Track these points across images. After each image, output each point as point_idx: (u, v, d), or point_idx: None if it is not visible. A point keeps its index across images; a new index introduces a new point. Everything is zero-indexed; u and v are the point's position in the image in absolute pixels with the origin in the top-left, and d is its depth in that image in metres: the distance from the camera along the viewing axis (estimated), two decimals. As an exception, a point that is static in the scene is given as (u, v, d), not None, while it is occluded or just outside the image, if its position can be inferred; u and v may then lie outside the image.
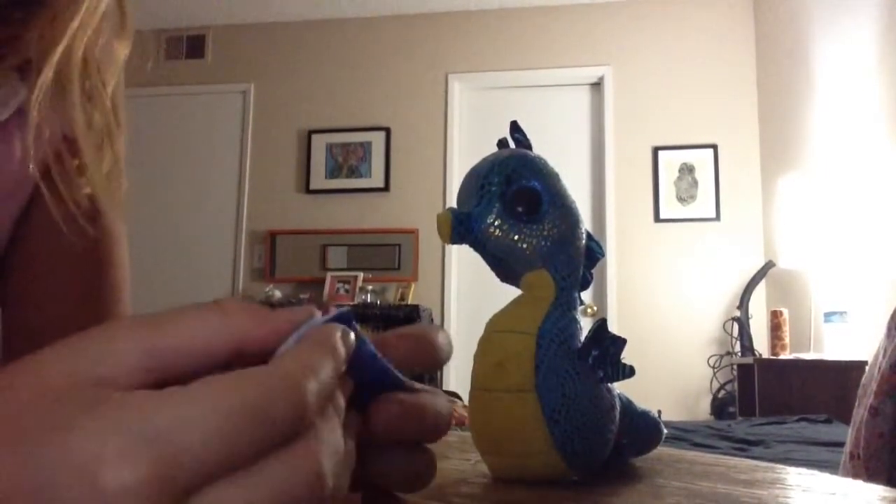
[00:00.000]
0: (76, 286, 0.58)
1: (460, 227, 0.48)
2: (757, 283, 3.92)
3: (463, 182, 0.50)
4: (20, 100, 0.50)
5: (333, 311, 0.25)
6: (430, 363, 0.29)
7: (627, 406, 0.52)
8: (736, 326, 3.89)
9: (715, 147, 4.26)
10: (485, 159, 0.50)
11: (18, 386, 0.20)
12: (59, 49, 0.47)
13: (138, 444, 0.18)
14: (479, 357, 0.48)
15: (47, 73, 0.47)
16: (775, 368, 3.06)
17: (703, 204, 4.24)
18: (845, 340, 2.96)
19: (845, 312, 3.00)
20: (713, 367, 3.96)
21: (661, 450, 0.57)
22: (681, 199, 4.26)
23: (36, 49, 0.47)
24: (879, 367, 0.92)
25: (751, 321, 3.86)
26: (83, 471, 0.18)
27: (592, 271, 0.52)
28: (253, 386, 0.20)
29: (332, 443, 0.21)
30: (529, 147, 0.53)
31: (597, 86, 4.49)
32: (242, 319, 0.22)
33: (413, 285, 4.37)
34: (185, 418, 0.19)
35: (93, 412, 0.19)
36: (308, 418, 0.20)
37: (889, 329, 0.94)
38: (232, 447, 0.19)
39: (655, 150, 4.32)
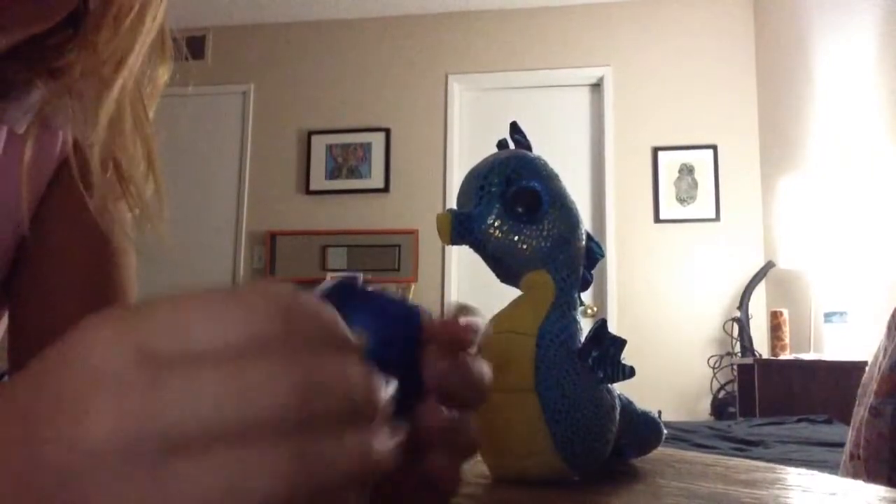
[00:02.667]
0: (85, 290, 0.59)
1: (460, 227, 0.48)
2: (757, 283, 3.92)
3: (463, 183, 0.50)
4: (36, 106, 0.51)
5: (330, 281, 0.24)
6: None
7: (627, 406, 0.52)
8: (736, 327, 3.89)
9: (715, 147, 4.26)
10: (485, 160, 0.50)
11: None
12: (118, 85, 0.49)
13: (129, 405, 0.19)
14: (479, 358, 0.48)
15: (107, 112, 0.49)
16: (775, 369, 3.05)
17: (702, 204, 4.24)
18: (845, 341, 2.96)
19: (845, 313, 3.00)
20: (713, 368, 3.96)
21: (662, 450, 0.57)
22: (680, 200, 4.26)
23: (85, 83, 0.48)
24: (880, 368, 0.92)
25: (751, 321, 3.86)
26: (73, 395, 0.19)
27: (592, 272, 0.53)
28: (259, 364, 0.20)
29: (328, 456, 0.20)
30: (529, 148, 0.53)
31: (596, 86, 4.49)
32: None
33: (413, 286, 4.37)
34: (182, 386, 0.19)
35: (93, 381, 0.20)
36: (298, 418, 0.19)
37: (889, 329, 0.94)
38: (215, 416, 0.19)
39: (655, 150, 4.32)
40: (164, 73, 0.57)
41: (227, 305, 0.20)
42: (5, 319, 0.59)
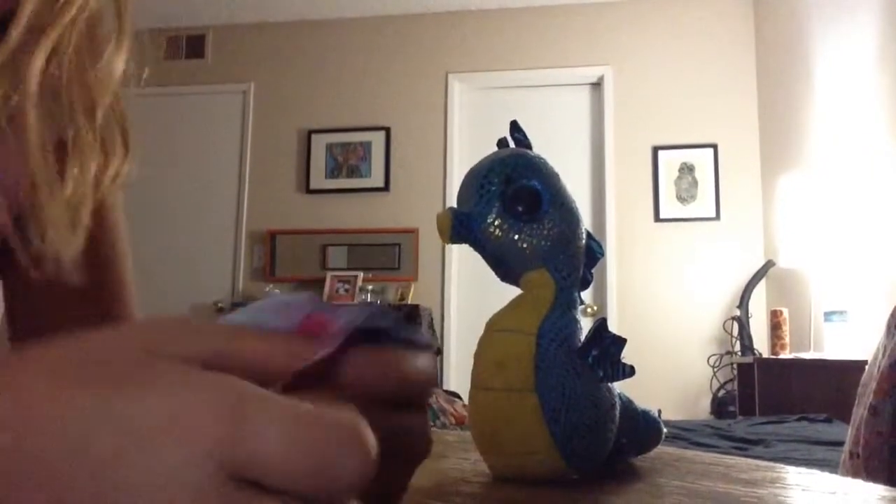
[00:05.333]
0: (80, 299, 0.58)
1: (460, 226, 0.48)
2: (757, 282, 3.92)
3: (463, 182, 0.50)
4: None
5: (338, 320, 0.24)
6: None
7: (627, 405, 0.52)
8: (736, 326, 3.89)
9: (715, 146, 4.26)
10: (485, 159, 0.50)
11: (109, 345, 0.22)
12: (36, 65, 0.45)
13: (223, 409, 0.19)
14: (479, 356, 0.48)
15: (31, 84, 0.45)
16: (775, 368, 3.05)
17: (703, 203, 4.24)
18: (845, 340, 2.96)
19: (845, 312, 3.00)
20: (713, 367, 3.96)
21: (661, 449, 0.57)
22: (681, 199, 4.26)
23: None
24: (879, 366, 0.92)
25: (751, 320, 3.86)
26: (154, 425, 0.19)
27: (592, 271, 0.53)
28: (348, 429, 0.20)
29: None
30: (529, 147, 0.53)
31: (597, 85, 4.49)
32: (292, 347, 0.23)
33: (413, 285, 4.37)
34: (278, 415, 0.20)
35: (178, 377, 0.20)
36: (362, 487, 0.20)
37: (888, 328, 0.94)
38: (297, 463, 0.19)
39: (655, 149, 4.32)
40: (118, 63, 0.55)
41: (332, 449, 0.20)
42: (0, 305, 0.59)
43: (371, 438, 0.21)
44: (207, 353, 0.22)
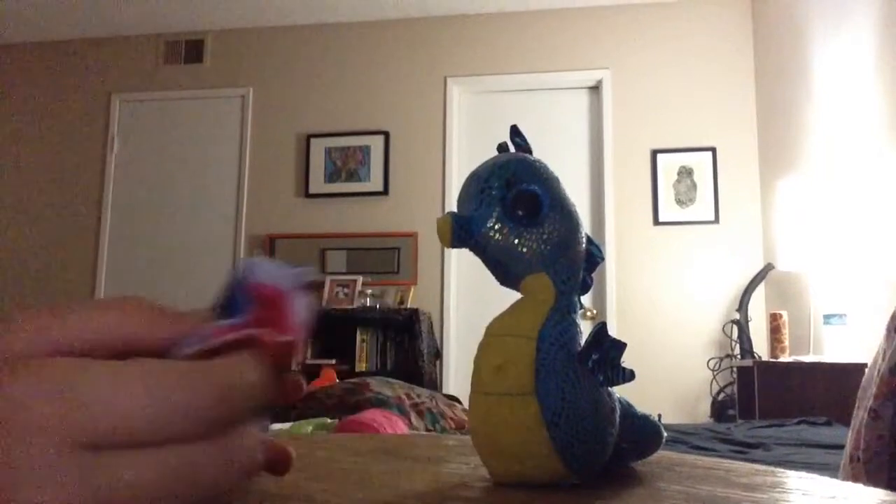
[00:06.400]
0: None
1: (460, 230, 0.48)
2: (756, 285, 3.93)
3: (463, 186, 0.50)
4: None
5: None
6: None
7: (628, 409, 0.52)
8: (735, 329, 3.89)
9: (713, 150, 4.26)
10: (485, 163, 0.50)
11: None
12: None
13: (52, 391, 0.19)
14: (478, 361, 0.48)
15: None
16: (775, 371, 3.05)
17: (701, 207, 4.24)
18: (845, 343, 2.96)
19: (845, 315, 3.00)
20: (713, 370, 3.96)
21: (661, 453, 0.57)
22: (680, 202, 4.27)
23: None
24: (879, 370, 0.92)
25: (750, 324, 3.86)
26: None
27: (592, 275, 0.53)
28: (177, 372, 0.21)
29: (246, 445, 0.22)
30: (529, 151, 0.53)
31: (595, 89, 4.50)
32: (137, 321, 0.23)
33: (412, 289, 4.37)
34: (106, 381, 0.20)
35: (12, 369, 0.20)
36: (227, 417, 0.21)
37: (888, 331, 0.94)
38: (147, 419, 0.20)
39: (654, 153, 4.32)
40: None
41: (173, 390, 0.21)
42: None
43: (217, 370, 0.22)
44: (36, 349, 0.22)
